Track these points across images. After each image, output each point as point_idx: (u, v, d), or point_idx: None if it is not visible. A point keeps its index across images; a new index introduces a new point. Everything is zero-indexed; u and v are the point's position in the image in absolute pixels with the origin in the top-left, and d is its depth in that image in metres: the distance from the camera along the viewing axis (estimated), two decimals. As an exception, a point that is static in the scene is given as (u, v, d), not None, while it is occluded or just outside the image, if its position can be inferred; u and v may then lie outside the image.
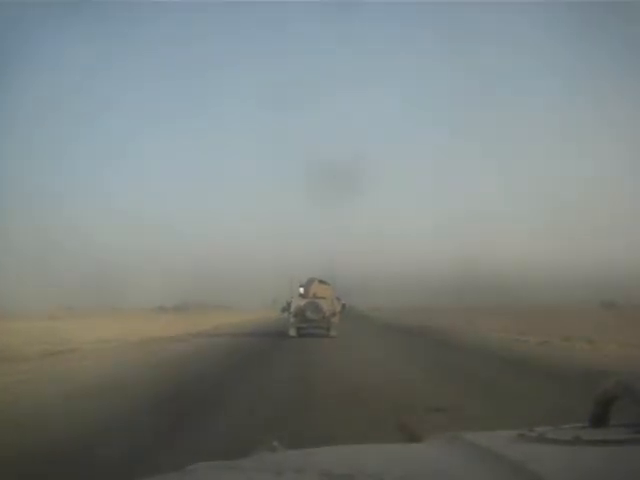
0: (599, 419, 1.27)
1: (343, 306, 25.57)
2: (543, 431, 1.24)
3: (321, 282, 25.43)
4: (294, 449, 1.34)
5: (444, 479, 1.12)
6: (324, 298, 24.39)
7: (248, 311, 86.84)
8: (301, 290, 25.16)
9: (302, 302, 24.18)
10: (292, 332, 24.20)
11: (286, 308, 25.09)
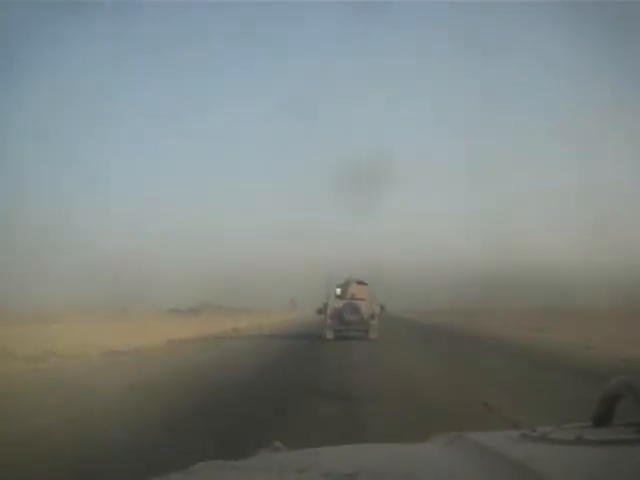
0: (602, 419, 1.34)
1: (382, 308, 25.81)
2: (546, 431, 1.31)
3: (359, 283, 25.60)
4: (297, 449, 1.47)
5: (447, 479, 1.19)
6: (362, 299, 24.73)
7: (266, 313, 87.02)
8: (338, 291, 25.36)
9: (339, 303, 24.60)
10: (329, 335, 24.62)
11: (322, 310, 25.54)
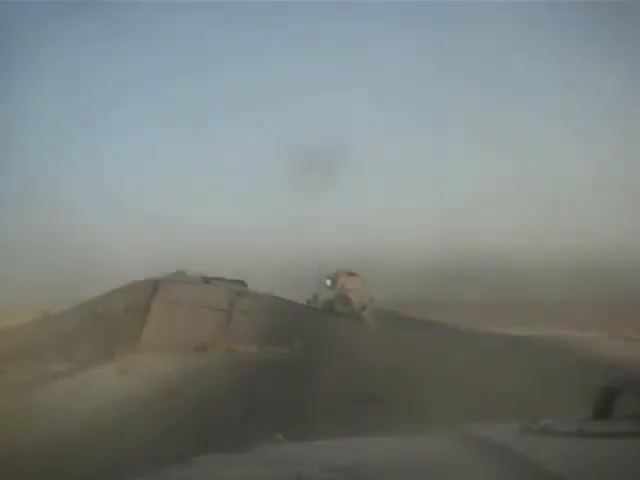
0: (602, 412, 1.37)
1: (371, 299, 26.05)
2: (547, 423, 1.34)
3: (350, 274, 25.86)
4: (296, 442, 1.52)
5: (446, 471, 1.22)
6: (353, 290, 24.94)
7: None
8: (328, 282, 25.57)
9: (330, 294, 24.82)
10: None
11: (312, 300, 25.52)
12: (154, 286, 21.47)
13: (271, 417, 8.45)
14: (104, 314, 20.76)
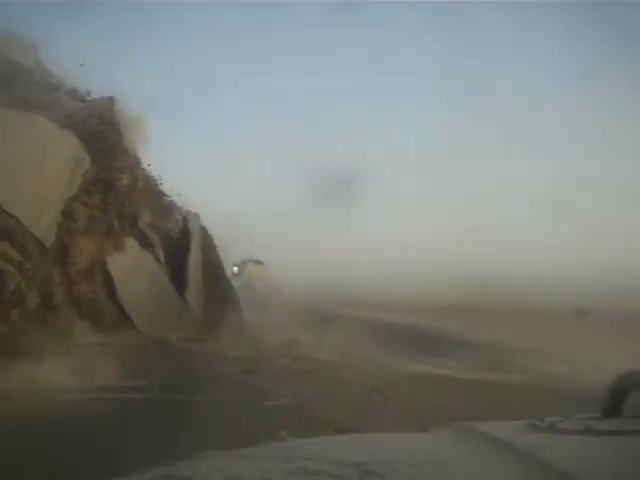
0: (611, 410, 1.41)
1: (278, 291, 25.38)
2: (554, 421, 1.37)
3: (257, 262, 25.44)
4: (302, 438, 1.47)
5: (454, 467, 1.21)
6: (259, 280, 24.78)
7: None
8: (235, 269, 24.84)
9: (237, 283, 23.70)
10: None
11: None
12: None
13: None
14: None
